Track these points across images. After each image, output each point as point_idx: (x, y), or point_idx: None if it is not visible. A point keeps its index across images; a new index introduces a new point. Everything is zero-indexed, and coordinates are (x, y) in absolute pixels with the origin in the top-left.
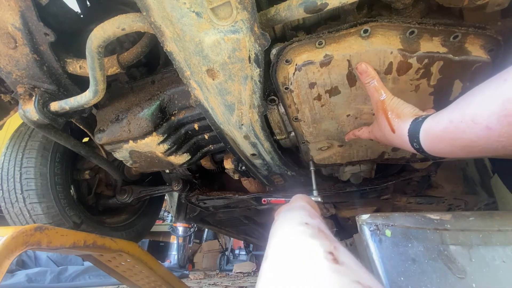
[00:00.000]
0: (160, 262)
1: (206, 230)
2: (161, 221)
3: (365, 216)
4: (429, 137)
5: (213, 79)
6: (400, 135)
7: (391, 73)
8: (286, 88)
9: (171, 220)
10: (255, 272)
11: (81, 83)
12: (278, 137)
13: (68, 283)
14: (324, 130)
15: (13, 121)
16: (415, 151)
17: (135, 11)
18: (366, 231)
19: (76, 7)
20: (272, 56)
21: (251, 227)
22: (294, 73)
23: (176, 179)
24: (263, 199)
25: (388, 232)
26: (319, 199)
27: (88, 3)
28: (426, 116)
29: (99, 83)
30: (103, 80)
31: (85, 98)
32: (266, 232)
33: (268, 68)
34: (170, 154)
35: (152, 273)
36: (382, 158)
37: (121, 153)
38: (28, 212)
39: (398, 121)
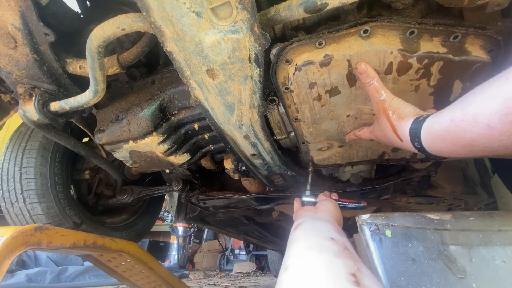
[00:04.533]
0: (160, 262)
1: (206, 230)
2: (161, 221)
3: (365, 216)
4: (430, 136)
5: (213, 79)
6: (401, 135)
7: (391, 73)
8: (286, 88)
9: (171, 220)
10: (255, 272)
11: (81, 83)
12: (278, 137)
13: (68, 283)
14: (324, 130)
15: (13, 121)
16: (416, 151)
17: (135, 11)
18: (366, 231)
19: (76, 7)
20: (272, 56)
21: (251, 227)
22: (294, 73)
23: (176, 179)
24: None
25: (388, 232)
26: (312, 199)
27: (88, 3)
28: (427, 116)
29: (99, 83)
30: (103, 80)
31: (85, 98)
32: (266, 232)
33: (268, 68)
34: (170, 154)
35: (152, 273)
36: (382, 159)
37: (121, 153)
38: (28, 212)
39: (399, 121)
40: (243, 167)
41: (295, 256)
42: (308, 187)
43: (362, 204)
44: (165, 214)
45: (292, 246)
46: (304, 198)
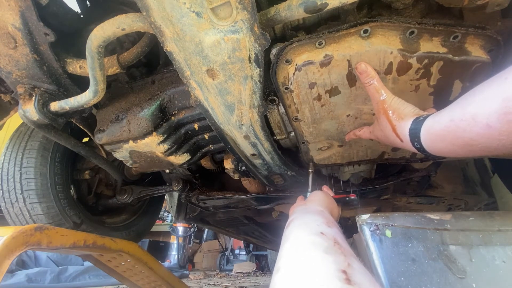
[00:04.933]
0: (160, 262)
1: (206, 230)
2: (161, 221)
3: (365, 216)
4: (430, 136)
5: (213, 79)
6: (401, 134)
7: (391, 73)
8: (286, 88)
9: (171, 220)
10: (255, 272)
11: (81, 83)
12: (278, 137)
13: (68, 283)
14: (324, 130)
15: (13, 121)
16: (416, 151)
17: (135, 11)
18: (366, 231)
19: (76, 7)
20: (272, 56)
21: (251, 227)
22: (294, 73)
23: (176, 179)
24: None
25: (388, 232)
26: None
27: (88, 3)
28: (427, 116)
29: (99, 83)
30: (103, 80)
31: (85, 98)
32: (266, 232)
33: (268, 68)
34: (170, 154)
35: (152, 273)
36: (382, 158)
37: (121, 153)
38: (28, 212)
39: (399, 121)
40: (243, 167)
41: (286, 256)
42: (309, 189)
43: (352, 197)
44: (165, 214)
45: (284, 245)
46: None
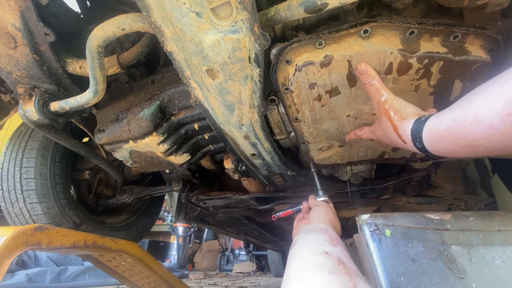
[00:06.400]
0: (160, 262)
1: (206, 230)
2: (161, 221)
3: (365, 216)
4: (432, 136)
5: (213, 79)
6: (402, 135)
7: (391, 73)
8: (286, 89)
9: (171, 220)
10: (255, 272)
11: (81, 83)
12: (278, 137)
13: (68, 283)
14: (324, 130)
15: (13, 121)
16: (418, 151)
17: (135, 11)
18: (366, 231)
19: (76, 7)
20: (272, 56)
21: (251, 227)
22: (294, 74)
23: (176, 179)
24: (273, 215)
25: (388, 232)
26: (326, 199)
27: (88, 3)
28: (429, 116)
29: (99, 83)
30: (103, 80)
31: (85, 98)
32: (266, 232)
33: (268, 68)
34: (170, 154)
35: (152, 273)
36: (382, 158)
37: (121, 153)
38: (28, 212)
39: (400, 121)
40: (243, 167)
41: (291, 278)
42: (319, 186)
43: (298, 207)
44: (165, 214)
45: (289, 267)
46: (318, 199)
